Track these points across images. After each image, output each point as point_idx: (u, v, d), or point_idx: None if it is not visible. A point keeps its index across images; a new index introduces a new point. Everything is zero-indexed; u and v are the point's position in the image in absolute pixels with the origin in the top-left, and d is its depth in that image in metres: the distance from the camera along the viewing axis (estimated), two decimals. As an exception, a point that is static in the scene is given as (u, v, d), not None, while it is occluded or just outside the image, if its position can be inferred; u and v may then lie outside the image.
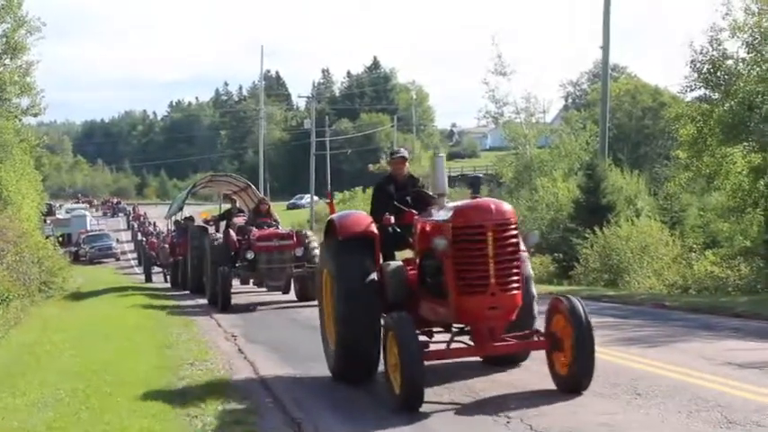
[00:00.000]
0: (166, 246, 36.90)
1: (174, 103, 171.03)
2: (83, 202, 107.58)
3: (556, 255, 32.22)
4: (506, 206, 8.71)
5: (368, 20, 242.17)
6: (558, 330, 8.70)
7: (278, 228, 21.78)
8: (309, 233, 22.35)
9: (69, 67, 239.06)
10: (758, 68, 23.17)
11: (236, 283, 21.77)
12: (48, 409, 9.11)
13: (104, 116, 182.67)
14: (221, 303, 19.60)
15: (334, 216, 10.18)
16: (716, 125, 23.37)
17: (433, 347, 9.07)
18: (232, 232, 21.77)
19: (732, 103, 23.20)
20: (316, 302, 17.83)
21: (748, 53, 23.49)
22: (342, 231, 9.70)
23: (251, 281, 22.13)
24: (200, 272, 23.75)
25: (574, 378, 8.59)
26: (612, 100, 50.60)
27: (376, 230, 9.69)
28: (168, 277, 35.92)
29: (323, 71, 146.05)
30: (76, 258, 53.48)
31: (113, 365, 11.62)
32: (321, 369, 10.51)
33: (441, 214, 9.01)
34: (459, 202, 8.95)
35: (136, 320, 18.12)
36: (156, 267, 40.38)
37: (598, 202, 32.24)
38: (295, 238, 20.78)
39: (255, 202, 26.39)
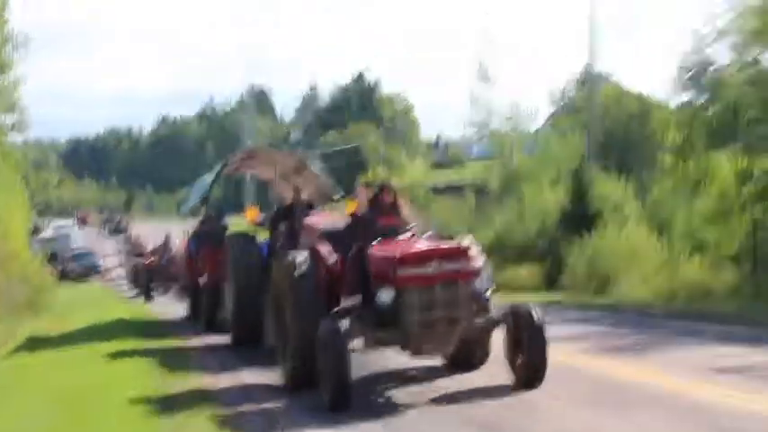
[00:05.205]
0: (174, 256, 31.85)
1: (160, 118, 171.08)
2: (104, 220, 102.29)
3: (543, 263, 32.17)
4: None
5: (352, 34, 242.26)
6: None
7: (416, 235, 10.70)
8: (467, 239, 10.24)
9: (53, 83, 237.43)
10: (743, 72, 23.20)
11: None
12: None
13: (89, 132, 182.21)
14: (333, 397, 8.98)
15: None
16: (701, 129, 23.42)
17: None
18: (324, 249, 10.92)
19: (718, 107, 23.25)
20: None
21: (733, 57, 23.53)
22: None
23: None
24: (252, 313, 14.30)
25: None
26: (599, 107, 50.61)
27: None
28: (179, 298, 27.11)
29: (310, 87, 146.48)
30: (63, 275, 53.63)
31: (100, 388, 11.50)
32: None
33: None
34: None
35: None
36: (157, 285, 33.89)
37: (585, 210, 32.16)
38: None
39: (326, 192, 18.21)
